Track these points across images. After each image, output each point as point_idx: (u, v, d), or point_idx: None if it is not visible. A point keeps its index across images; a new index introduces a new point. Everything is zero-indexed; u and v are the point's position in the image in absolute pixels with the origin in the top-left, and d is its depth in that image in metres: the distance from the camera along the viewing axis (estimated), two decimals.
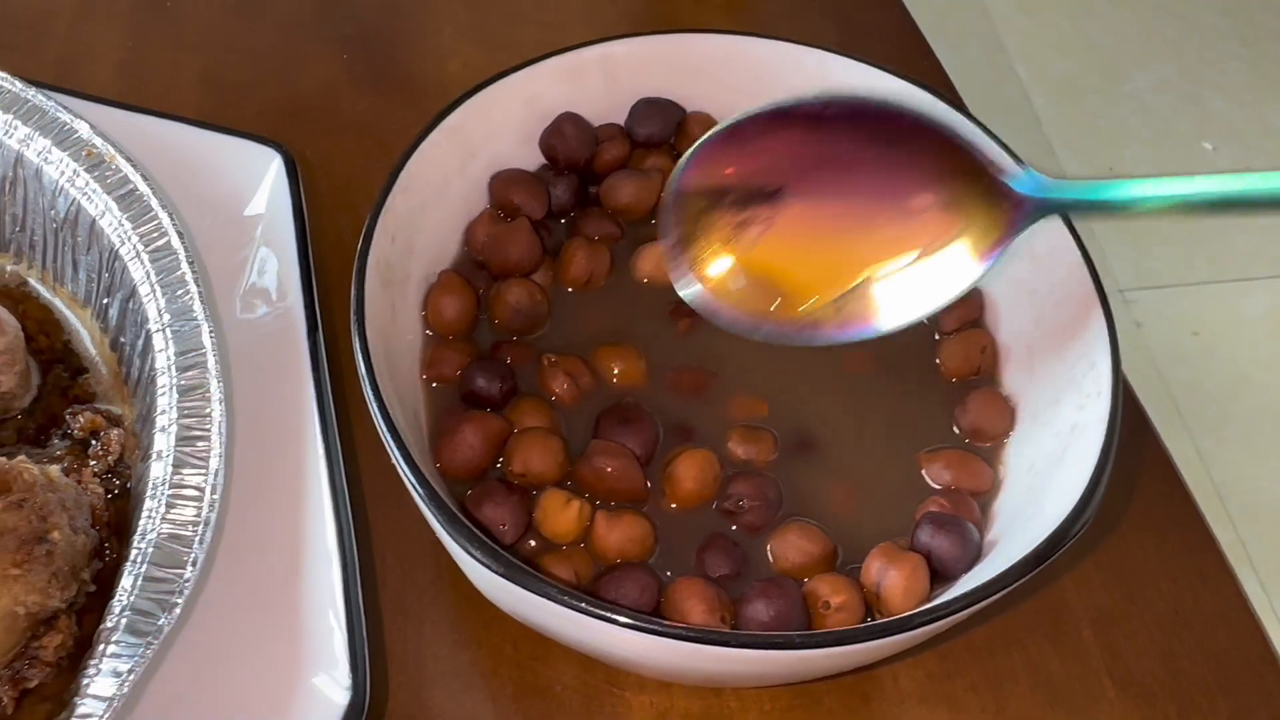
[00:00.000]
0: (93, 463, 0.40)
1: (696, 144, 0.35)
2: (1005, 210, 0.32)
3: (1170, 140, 1.55)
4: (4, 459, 0.34)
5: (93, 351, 0.44)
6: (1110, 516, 0.46)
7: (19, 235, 0.45)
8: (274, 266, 0.42)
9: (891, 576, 0.33)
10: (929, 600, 0.34)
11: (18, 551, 0.33)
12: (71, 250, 0.43)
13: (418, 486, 0.32)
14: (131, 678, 0.31)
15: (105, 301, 0.43)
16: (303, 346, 0.40)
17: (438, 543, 0.36)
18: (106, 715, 0.30)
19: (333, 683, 0.33)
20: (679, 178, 0.35)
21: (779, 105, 0.34)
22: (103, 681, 0.32)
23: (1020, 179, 0.33)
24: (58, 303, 0.44)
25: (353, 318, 0.34)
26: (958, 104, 0.62)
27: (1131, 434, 0.43)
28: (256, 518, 0.36)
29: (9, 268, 0.45)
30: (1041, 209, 0.32)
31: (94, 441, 0.41)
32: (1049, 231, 0.39)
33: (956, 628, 0.35)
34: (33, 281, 0.45)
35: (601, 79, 0.43)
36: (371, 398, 0.33)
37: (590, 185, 0.44)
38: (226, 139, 0.46)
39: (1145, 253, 1.41)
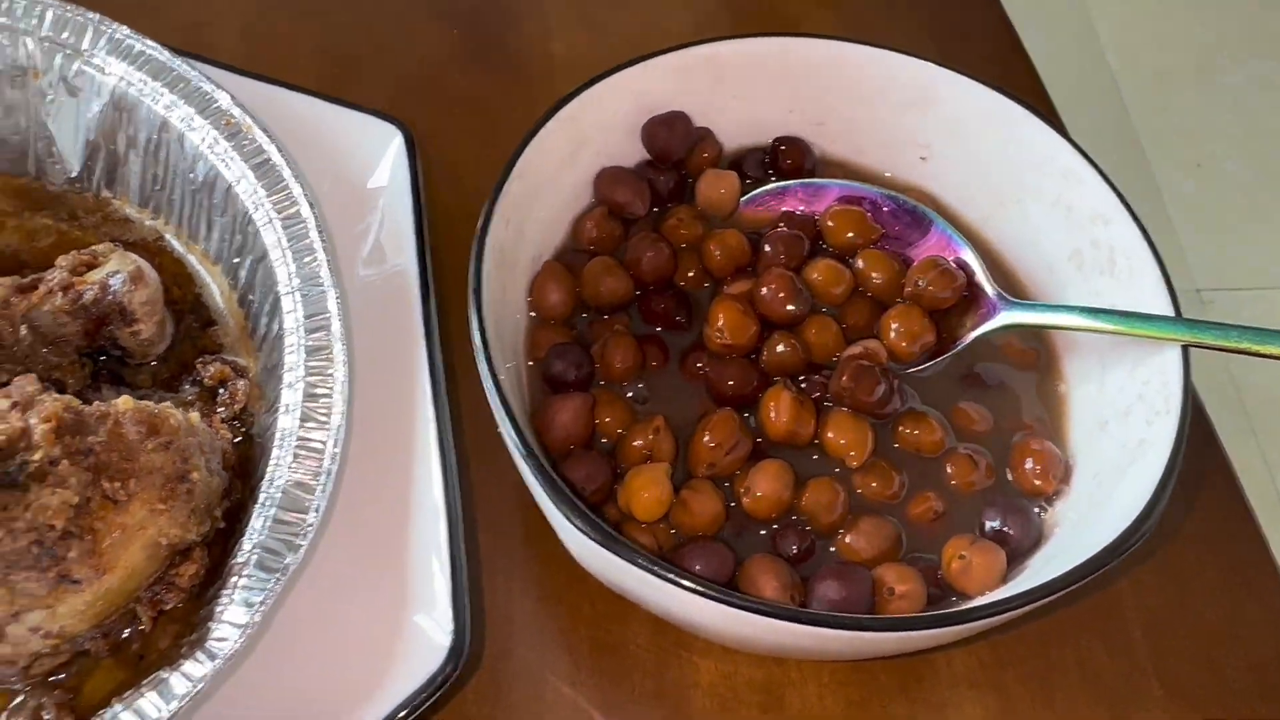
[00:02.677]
0: (221, 409, 0.43)
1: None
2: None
3: (1260, 139, 1.52)
4: (151, 404, 0.38)
5: (221, 306, 0.47)
6: (1169, 525, 0.47)
7: (159, 194, 0.48)
8: (391, 238, 0.45)
9: (970, 561, 0.36)
10: (1005, 582, 0.36)
11: (163, 489, 0.37)
12: (207, 212, 0.47)
13: (524, 454, 0.35)
14: (262, 608, 0.35)
15: (236, 261, 0.46)
16: (416, 317, 0.43)
17: (528, 505, 0.39)
18: (240, 640, 0.34)
19: (436, 625, 0.37)
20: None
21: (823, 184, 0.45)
22: (235, 610, 0.35)
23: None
24: (190, 258, 0.48)
25: (471, 296, 0.37)
26: (1040, 94, 0.63)
27: (1197, 446, 0.44)
28: (371, 470, 0.40)
29: (148, 222, 0.49)
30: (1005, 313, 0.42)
31: (221, 390, 0.44)
32: (1127, 241, 0.41)
33: (1012, 622, 0.37)
34: (169, 237, 0.49)
35: (707, 78, 0.46)
36: (485, 371, 0.36)
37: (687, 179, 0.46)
38: (351, 113, 0.49)
39: (1225, 254, 1.40)
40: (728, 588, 0.35)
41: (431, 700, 0.35)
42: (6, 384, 0.42)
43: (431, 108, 0.58)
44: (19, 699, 0.38)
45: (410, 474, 0.40)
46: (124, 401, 0.38)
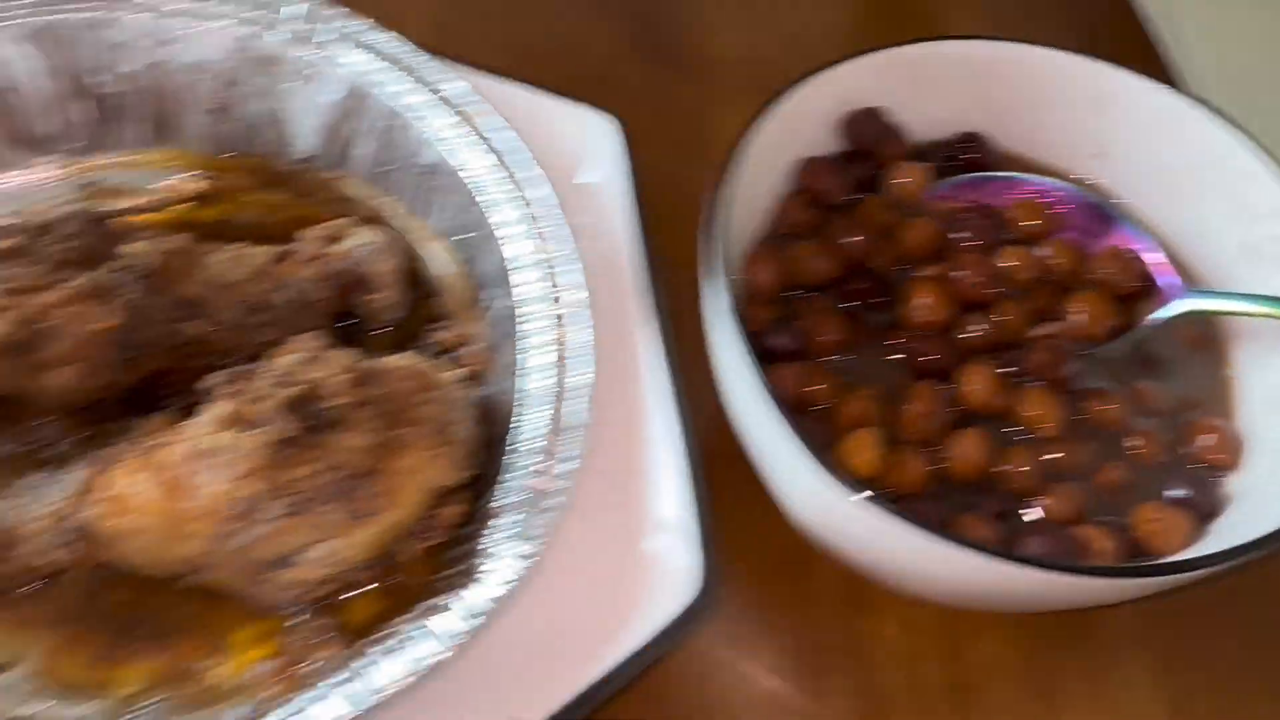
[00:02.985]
0: (458, 371, 0.48)
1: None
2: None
3: None
4: (419, 363, 0.42)
5: (443, 278, 0.52)
6: None
7: (383, 174, 0.53)
8: (608, 224, 0.49)
9: (1163, 524, 0.40)
10: (1191, 546, 0.40)
11: (434, 437, 0.41)
12: (432, 192, 0.51)
13: (775, 404, 0.38)
14: (534, 559, 0.39)
15: (460, 238, 0.50)
16: (640, 297, 0.47)
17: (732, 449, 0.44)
18: (521, 572, 0.39)
19: (682, 560, 0.41)
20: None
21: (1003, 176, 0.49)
22: (514, 544, 0.40)
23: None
24: (411, 234, 0.52)
25: (706, 284, 0.41)
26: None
27: None
28: (609, 433, 0.44)
29: (371, 200, 0.53)
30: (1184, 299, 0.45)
31: (448, 355, 0.49)
32: None
33: (1177, 588, 0.41)
34: (391, 214, 0.53)
35: (901, 77, 0.49)
36: (737, 333, 0.40)
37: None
38: (565, 104, 0.53)
39: None
40: None
41: (678, 634, 0.40)
42: (275, 343, 0.47)
43: (609, 102, 0.62)
44: (297, 620, 0.43)
45: (645, 434, 0.44)
46: (396, 359, 0.42)
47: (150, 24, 0.51)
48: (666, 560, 0.41)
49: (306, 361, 0.41)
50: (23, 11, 0.49)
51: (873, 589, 0.48)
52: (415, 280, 0.51)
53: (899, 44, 0.48)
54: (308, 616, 0.43)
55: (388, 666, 0.37)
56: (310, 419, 0.39)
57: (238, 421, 0.39)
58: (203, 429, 0.40)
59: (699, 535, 0.42)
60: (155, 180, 0.54)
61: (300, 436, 0.38)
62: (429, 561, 0.44)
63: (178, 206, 0.53)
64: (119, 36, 0.51)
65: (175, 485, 0.40)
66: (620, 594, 0.41)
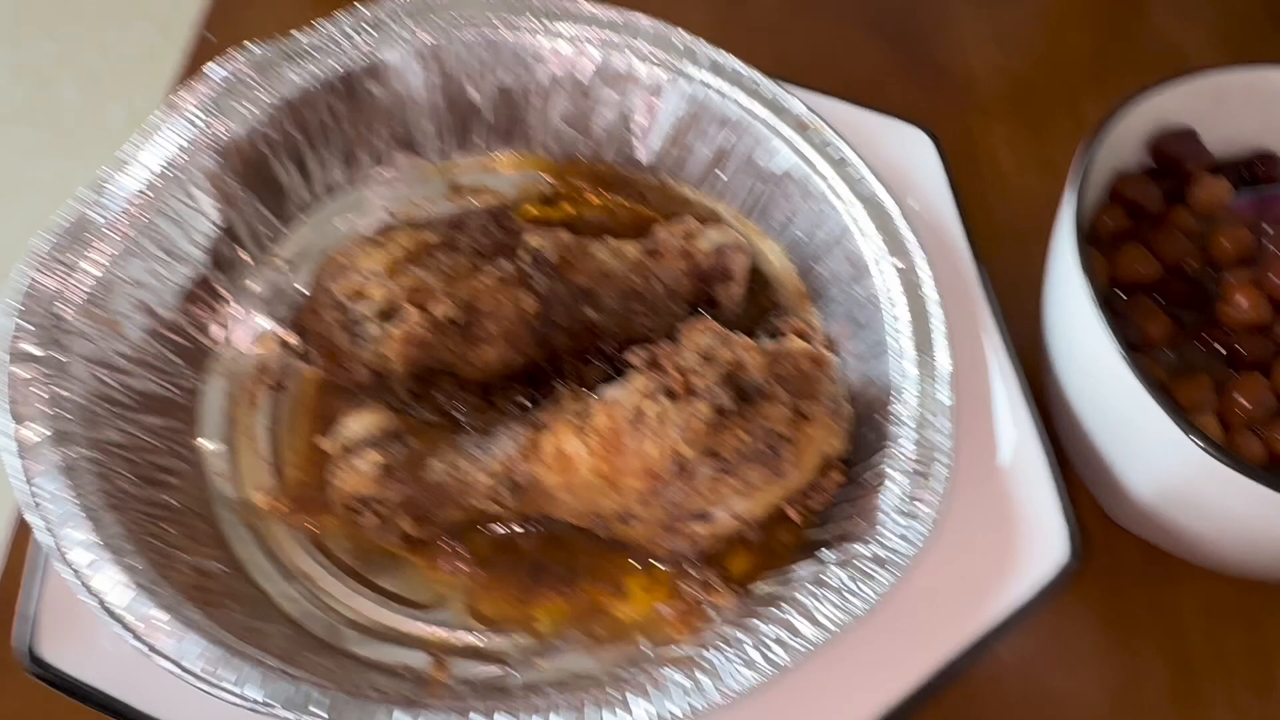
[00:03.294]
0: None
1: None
2: None
3: None
4: (812, 346, 0.48)
5: (776, 272, 0.58)
6: None
7: (718, 179, 0.59)
8: (943, 232, 0.55)
9: None
10: None
11: (831, 411, 0.47)
12: (770, 196, 0.57)
13: (1151, 387, 0.44)
14: (930, 524, 0.45)
15: (800, 236, 0.56)
16: (981, 299, 0.53)
17: None
18: (922, 533, 0.44)
19: (1049, 521, 0.47)
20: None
21: None
22: (897, 503, 0.45)
23: None
24: (745, 233, 0.58)
25: (1066, 282, 0.47)
26: None
27: None
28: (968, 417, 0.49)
29: (705, 202, 0.60)
30: None
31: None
32: None
33: None
34: (724, 215, 0.59)
35: (1208, 99, 0.54)
36: (1096, 315, 0.45)
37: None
38: (881, 118, 0.59)
39: None
40: None
41: (1051, 593, 0.45)
42: (650, 327, 0.53)
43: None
44: (692, 570, 0.49)
45: (1003, 419, 0.50)
46: (795, 343, 0.48)
47: (524, 42, 0.57)
48: (1035, 525, 0.47)
49: (719, 343, 0.47)
50: (423, 33, 0.56)
51: (1173, 563, 0.53)
52: (754, 273, 0.57)
53: (1203, 70, 0.53)
54: (694, 567, 0.49)
55: (818, 609, 0.43)
56: (741, 392, 0.45)
57: (672, 393, 0.45)
58: (634, 398, 0.46)
59: (1061, 501, 0.47)
60: (506, 182, 0.60)
61: (734, 407, 0.45)
62: (790, 525, 0.50)
63: (534, 207, 0.60)
64: (496, 55, 0.57)
65: (616, 446, 0.46)
66: (995, 556, 0.46)
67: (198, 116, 0.52)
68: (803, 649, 0.42)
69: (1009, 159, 0.68)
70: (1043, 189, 0.67)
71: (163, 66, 0.73)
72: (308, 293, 0.54)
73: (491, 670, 0.47)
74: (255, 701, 0.39)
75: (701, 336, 0.47)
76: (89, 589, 0.40)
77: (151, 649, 0.39)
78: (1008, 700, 0.50)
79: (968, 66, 0.73)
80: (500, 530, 0.50)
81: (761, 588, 0.48)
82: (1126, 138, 0.54)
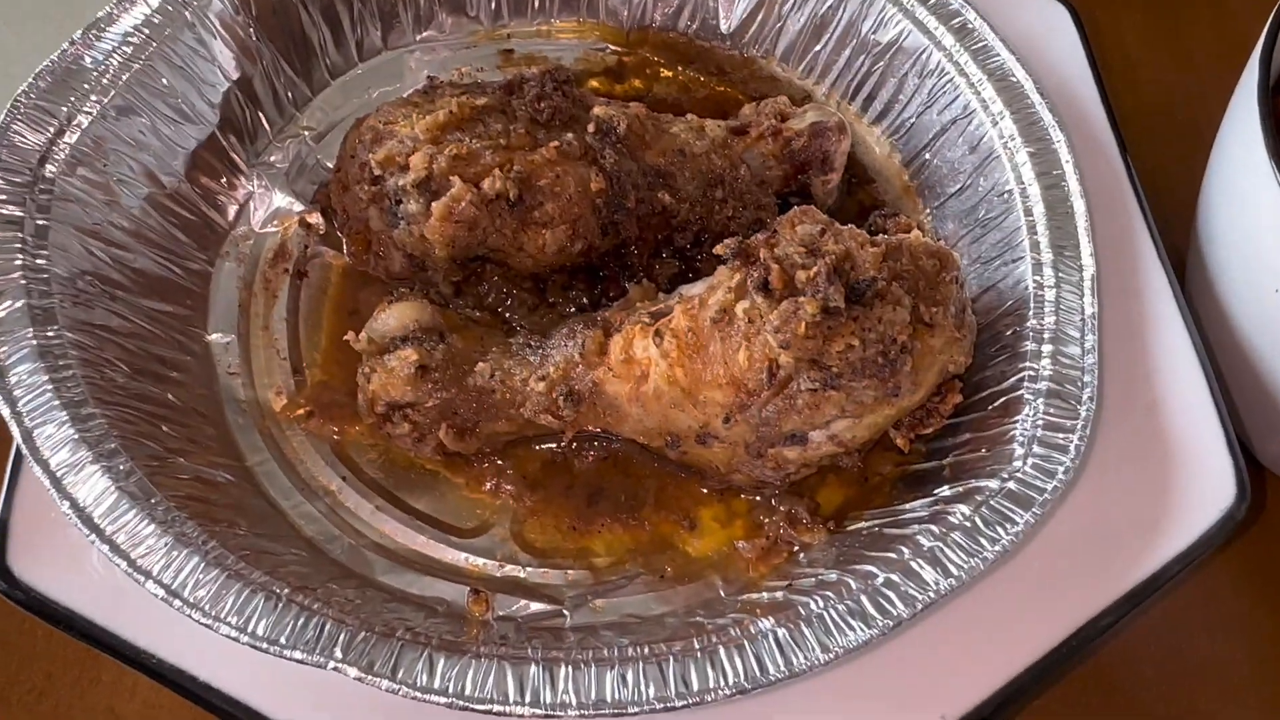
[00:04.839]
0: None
1: None
2: None
3: None
4: (934, 241, 0.40)
5: (879, 162, 0.49)
6: None
7: (814, 55, 0.50)
8: (1082, 111, 0.47)
9: None
10: None
11: (956, 318, 0.39)
12: (880, 74, 0.48)
13: None
14: (1074, 456, 0.37)
15: (912, 121, 0.48)
16: (1128, 188, 0.44)
17: None
18: (1070, 468, 0.37)
19: (1219, 471, 0.39)
20: None
21: None
22: (1035, 431, 0.38)
23: None
24: (848, 116, 0.50)
25: (1272, 160, 0.38)
26: None
27: None
28: (1117, 321, 0.41)
29: (796, 81, 0.51)
30: None
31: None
32: None
33: None
34: (820, 96, 0.51)
35: None
36: None
37: None
38: None
39: None
40: None
41: (1219, 537, 0.38)
42: (734, 218, 0.45)
43: None
44: (776, 502, 0.42)
45: (1158, 337, 0.42)
46: (915, 235, 0.40)
47: None
48: (1196, 462, 0.39)
49: (824, 232, 0.39)
50: None
51: None
52: (852, 164, 0.49)
53: None
54: (779, 498, 0.41)
55: (943, 553, 0.36)
56: (852, 290, 0.37)
57: (767, 288, 0.37)
58: (720, 295, 0.38)
59: (1226, 434, 0.39)
60: (567, 51, 0.52)
61: (843, 307, 0.37)
62: (887, 455, 0.42)
63: (597, 81, 0.51)
64: None
65: (697, 350, 0.38)
66: (1148, 498, 0.39)
67: None
68: (924, 599, 0.34)
69: (1144, 48, 0.59)
70: (1182, 83, 0.58)
71: None
72: (334, 166, 0.46)
73: (540, 608, 0.40)
74: (259, 638, 0.32)
75: (803, 224, 0.39)
76: (65, 493, 0.33)
77: (137, 570, 0.32)
78: (1140, 670, 0.43)
79: None
80: (553, 447, 0.43)
81: (859, 525, 0.41)
82: None
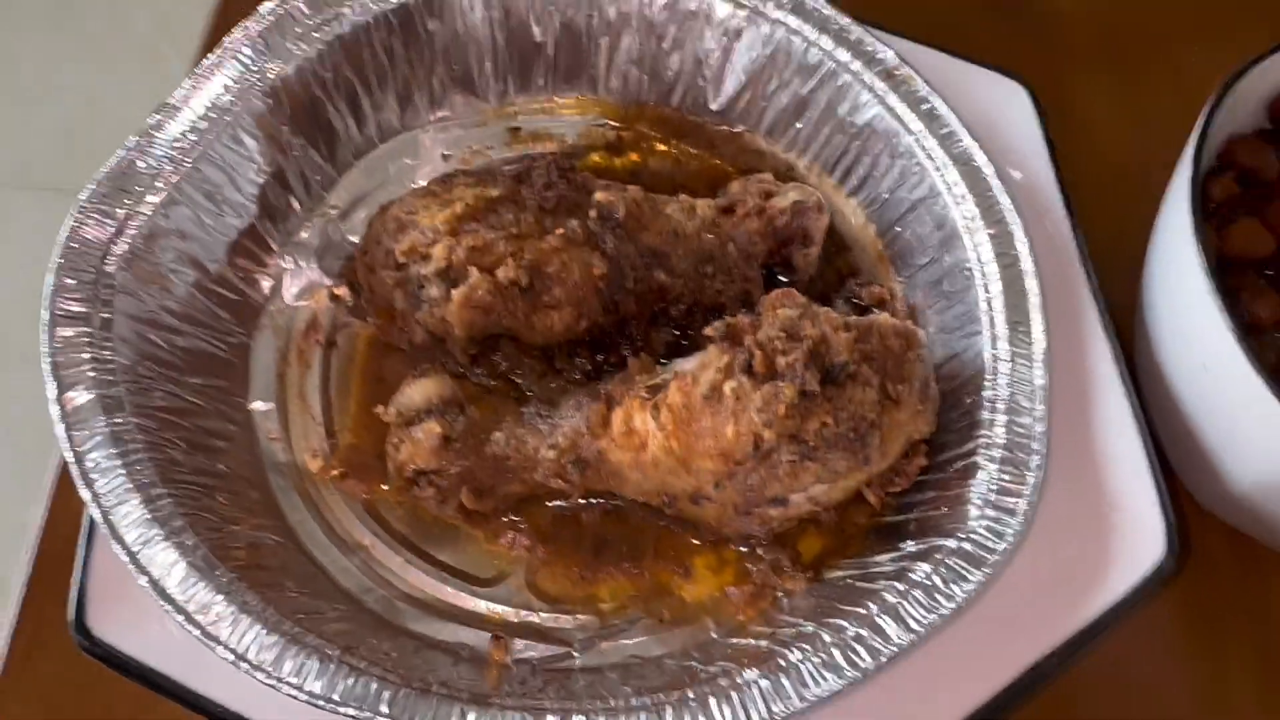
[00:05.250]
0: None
1: None
2: None
3: None
4: (901, 321, 0.45)
5: (854, 233, 0.54)
6: None
7: (795, 131, 0.55)
8: (1039, 193, 0.51)
9: None
10: None
11: (920, 392, 0.44)
12: (856, 152, 0.53)
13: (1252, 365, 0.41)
14: (1024, 519, 0.42)
15: (886, 197, 0.52)
16: (1081, 270, 0.49)
17: None
18: (1023, 523, 0.42)
19: (1145, 524, 0.44)
20: None
21: None
22: (988, 494, 0.43)
23: None
24: (822, 190, 0.55)
25: (1179, 256, 0.43)
26: None
27: None
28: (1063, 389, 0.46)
29: (780, 154, 0.56)
30: None
31: (874, 310, 0.51)
32: None
33: None
34: (800, 170, 0.55)
35: None
36: (1210, 290, 0.42)
37: None
38: (972, 68, 0.54)
39: None
40: None
41: (1148, 591, 0.43)
42: (722, 292, 0.50)
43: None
44: (762, 551, 0.47)
45: (1099, 402, 0.47)
46: (883, 317, 0.45)
47: None
48: (1132, 520, 0.44)
49: (803, 317, 0.44)
50: None
51: (1264, 555, 0.50)
52: (831, 234, 0.53)
53: None
54: (764, 548, 0.46)
55: (905, 609, 0.41)
56: (826, 373, 0.42)
57: (752, 371, 0.42)
58: (710, 374, 0.43)
59: (1160, 495, 0.44)
60: (568, 126, 0.57)
61: (818, 390, 0.42)
62: (864, 507, 0.47)
63: (597, 155, 0.56)
64: None
65: (690, 425, 0.43)
66: (1089, 554, 0.44)
67: (247, 56, 0.48)
68: (888, 652, 0.39)
69: (1099, 110, 0.64)
70: (1136, 143, 0.63)
71: None
72: (359, 242, 0.51)
73: (553, 650, 0.45)
74: (316, 695, 0.37)
75: (784, 309, 0.44)
76: (142, 569, 0.38)
77: (208, 636, 0.37)
78: (1091, 693, 0.48)
79: (1056, 8, 0.68)
80: (563, 504, 0.48)
81: (835, 573, 0.46)
82: (1246, 97, 0.50)
